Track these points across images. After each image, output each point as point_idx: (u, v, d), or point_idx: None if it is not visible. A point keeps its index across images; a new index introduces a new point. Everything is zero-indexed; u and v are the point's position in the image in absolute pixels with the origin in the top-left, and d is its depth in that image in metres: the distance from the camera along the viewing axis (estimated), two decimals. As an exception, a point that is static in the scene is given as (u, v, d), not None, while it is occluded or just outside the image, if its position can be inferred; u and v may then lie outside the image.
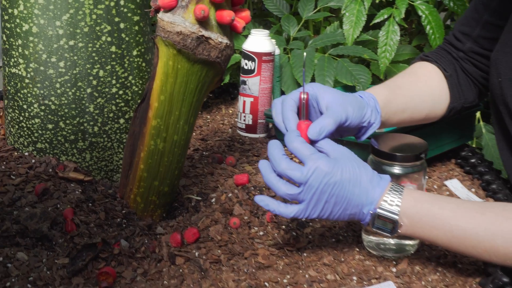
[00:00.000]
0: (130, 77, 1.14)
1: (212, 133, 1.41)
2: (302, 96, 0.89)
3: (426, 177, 0.96)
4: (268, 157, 0.87)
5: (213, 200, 1.08)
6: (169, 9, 0.94)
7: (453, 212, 0.82)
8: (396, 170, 0.92)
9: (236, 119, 1.53)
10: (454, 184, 1.13)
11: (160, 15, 0.94)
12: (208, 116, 1.55)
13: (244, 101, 1.43)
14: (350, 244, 0.97)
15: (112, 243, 0.90)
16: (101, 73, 1.10)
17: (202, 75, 0.98)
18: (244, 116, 1.43)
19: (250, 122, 1.42)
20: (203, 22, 0.92)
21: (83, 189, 1.06)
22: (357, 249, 0.96)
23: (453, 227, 0.82)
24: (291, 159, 0.89)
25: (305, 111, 0.89)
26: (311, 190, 0.83)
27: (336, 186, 0.83)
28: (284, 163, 0.84)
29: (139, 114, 1.02)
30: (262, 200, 0.87)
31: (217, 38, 0.95)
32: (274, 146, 0.86)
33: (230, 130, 1.46)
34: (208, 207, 1.07)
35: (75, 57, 1.08)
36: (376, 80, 1.70)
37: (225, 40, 0.96)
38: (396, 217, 0.83)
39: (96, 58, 1.09)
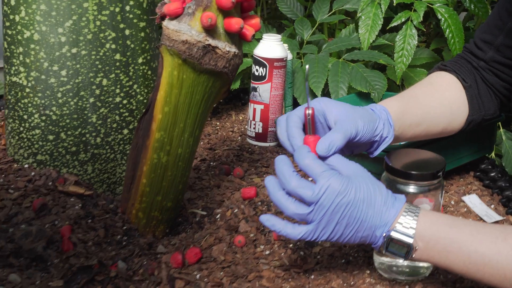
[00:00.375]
0: (135, 86, 1.10)
1: (220, 141, 1.37)
2: (307, 112, 0.83)
3: (443, 193, 0.91)
4: (275, 173, 0.82)
5: (218, 216, 1.04)
6: (175, 16, 0.89)
7: (472, 236, 0.77)
8: (412, 189, 0.86)
9: (246, 126, 1.48)
10: (472, 200, 1.07)
11: (166, 23, 0.90)
12: (218, 123, 1.51)
13: (255, 109, 1.38)
14: (361, 266, 0.92)
15: (109, 265, 0.86)
16: (104, 82, 1.06)
17: (209, 86, 0.93)
18: (254, 124, 1.38)
19: (260, 131, 1.38)
20: (210, 30, 0.88)
21: (83, 203, 1.02)
22: (368, 272, 0.90)
23: (472, 252, 0.76)
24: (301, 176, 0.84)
25: (311, 128, 0.84)
26: (323, 210, 0.78)
27: (349, 206, 0.78)
28: (294, 180, 0.79)
29: (142, 125, 0.98)
30: (268, 219, 0.82)
31: (225, 47, 0.90)
32: (282, 162, 0.82)
33: (239, 138, 1.41)
34: (212, 223, 1.02)
35: (78, 66, 1.04)
36: (393, 84, 1.65)
37: (233, 49, 0.91)
38: (410, 240, 0.78)
39: (99, 66, 1.05)
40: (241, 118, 1.55)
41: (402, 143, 1.14)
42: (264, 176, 1.20)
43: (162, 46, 0.90)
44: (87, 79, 1.05)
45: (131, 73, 1.09)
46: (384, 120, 0.90)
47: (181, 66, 0.90)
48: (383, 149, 0.91)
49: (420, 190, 0.87)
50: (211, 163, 1.26)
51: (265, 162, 1.27)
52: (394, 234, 0.78)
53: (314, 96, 1.46)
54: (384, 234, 0.79)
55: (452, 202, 1.08)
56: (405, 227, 0.78)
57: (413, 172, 0.85)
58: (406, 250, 0.78)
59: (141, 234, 1.01)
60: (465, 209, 1.06)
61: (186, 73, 0.91)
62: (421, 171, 0.85)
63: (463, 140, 1.13)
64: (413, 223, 0.78)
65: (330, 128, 0.87)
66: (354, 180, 0.79)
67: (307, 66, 0.83)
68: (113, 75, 1.07)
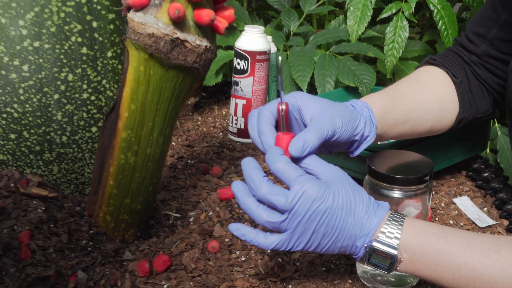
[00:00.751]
0: (104, 81, 1.03)
1: (200, 138, 1.30)
2: (281, 107, 0.76)
3: (432, 194, 0.84)
4: (244, 178, 0.76)
5: (192, 219, 0.97)
6: (140, 8, 0.83)
7: (462, 247, 0.70)
8: (397, 194, 0.80)
9: (229, 122, 1.41)
10: (464, 202, 1.00)
11: (131, 14, 0.83)
12: (199, 118, 1.44)
13: (236, 104, 1.31)
14: (342, 275, 0.85)
15: (68, 275, 0.79)
16: (70, 77, 0.99)
17: (178, 82, 0.86)
18: (236, 120, 1.31)
19: (242, 126, 1.31)
20: (178, 22, 0.81)
21: (46, 206, 0.95)
22: (350, 281, 0.84)
23: (462, 265, 0.69)
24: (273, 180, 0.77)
25: (285, 125, 0.77)
26: (297, 218, 0.72)
27: (327, 214, 0.71)
28: (265, 187, 0.73)
29: (109, 124, 0.92)
30: (238, 229, 0.75)
31: (195, 40, 0.83)
32: (250, 166, 0.75)
33: (221, 134, 1.34)
34: (185, 227, 0.96)
35: (41, 60, 0.97)
36: (384, 78, 1.58)
37: (204, 43, 0.84)
38: (394, 252, 0.72)
39: (64, 60, 0.98)
40: (224, 112, 1.49)
41: (387, 142, 1.07)
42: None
43: (127, 40, 0.83)
44: (51, 75, 0.98)
45: (99, 68, 1.02)
46: (366, 117, 0.83)
47: (147, 61, 0.83)
48: (365, 148, 0.84)
49: (406, 196, 0.80)
50: (189, 161, 1.19)
51: (246, 160, 1.20)
52: (376, 245, 0.72)
53: (299, 90, 1.39)
54: (365, 245, 0.72)
55: (442, 204, 1.02)
56: (388, 237, 0.72)
57: (398, 176, 0.78)
58: (389, 262, 0.72)
59: (109, 239, 0.95)
60: (456, 212, 0.99)
61: (153, 69, 0.84)
62: (407, 175, 0.79)
63: (454, 139, 1.06)
64: (398, 233, 0.71)
65: (306, 126, 0.80)
66: (332, 185, 0.72)
67: (279, 58, 0.76)
68: (79, 70, 1.00)
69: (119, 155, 0.90)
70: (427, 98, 0.93)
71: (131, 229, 0.96)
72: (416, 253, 0.71)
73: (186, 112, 1.46)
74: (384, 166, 0.81)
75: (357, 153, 0.84)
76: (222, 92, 1.56)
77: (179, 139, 1.29)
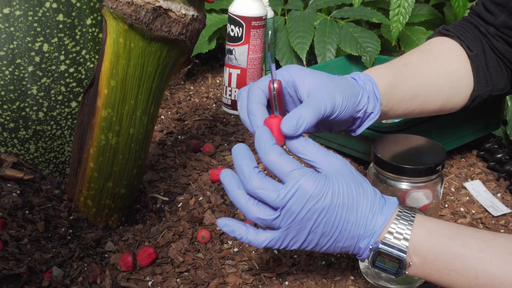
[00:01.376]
0: (83, 52, 0.94)
1: (192, 110, 1.21)
2: (272, 86, 0.67)
3: (443, 182, 0.76)
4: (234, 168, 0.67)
5: (180, 204, 0.89)
6: (120, -29, 0.73)
7: (480, 251, 0.62)
8: (404, 185, 0.72)
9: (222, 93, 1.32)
10: (475, 187, 0.92)
11: (108, -21, 0.74)
12: (192, 87, 1.35)
13: (230, 73, 1.22)
14: (344, 270, 0.78)
15: (43, 271, 0.72)
16: (45, 47, 0.90)
17: (163, 56, 0.78)
18: (230, 91, 1.22)
19: (237, 98, 1.22)
20: (161, -12, 0.72)
21: (21, 190, 0.87)
22: (352, 277, 0.77)
23: (479, 272, 0.62)
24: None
25: (278, 105, 0.68)
26: (291, 216, 0.64)
27: (324, 212, 0.63)
28: (255, 180, 0.64)
29: (87, 101, 0.83)
30: (226, 224, 0.67)
31: (180, 9, 0.74)
32: (241, 155, 0.66)
33: (214, 106, 1.26)
34: (173, 213, 0.88)
35: (12, 28, 0.87)
36: (388, 44, 1.48)
37: (190, 12, 0.75)
38: (403, 255, 0.64)
39: (38, 29, 0.89)
40: (218, 81, 1.39)
41: (391, 121, 0.99)
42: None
43: (104, 8, 0.74)
44: (23, 44, 0.88)
45: (77, 37, 0.92)
46: (369, 92, 0.74)
47: (127, 32, 0.74)
48: (368, 127, 0.75)
49: (415, 187, 0.72)
50: (179, 137, 1.11)
51: (240, 135, 1.12)
52: (382, 247, 0.64)
53: (298, 59, 1.30)
54: (370, 247, 0.65)
55: (452, 189, 0.94)
56: (396, 238, 0.64)
57: (406, 166, 0.70)
58: (397, 266, 0.64)
59: (91, 225, 0.87)
60: (467, 198, 0.91)
61: (134, 41, 0.75)
62: (417, 164, 0.70)
63: (464, 117, 0.98)
64: (407, 234, 0.64)
65: (302, 102, 0.71)
66: (332, 179, 0.64)
67: (269, 32, 0.66)
68: (55, 39, 0.90)
69: (99, 136, 0.81)
70: (438, 72, 0.83)
71: (115, 214, 0.88)
72: (427, 256, 0.64)
73: (178, 81, 1.37)
74: (390, 154, 0.72)
75: (359, 131, 0.75)
76: (216, 59, 1.47)
77: (169, 112, 1.20)
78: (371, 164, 0.75)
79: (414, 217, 0.64)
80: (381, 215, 0.64)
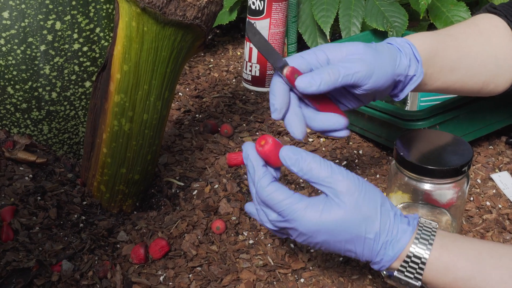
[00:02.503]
0: (98, 29, 0.90)
1: (211, 86, 1.18)
2: (284, 71, 0.65)
3: (469, 179, 0.72)
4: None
5: (195, 192, 0.87)
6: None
7: (502, 283, 0.57)
8: (428, 186, 0.68)
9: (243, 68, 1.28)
10: (503, 179, 0.88)
11: (121, -42, 0.70)
12: (212, 60, 1.31)
13: (251, 48, 1.18)
14: (362, 269, 0.75)
15: (53, 264, 0.70)
16: (58, 25, 0.87)
17: (177, 40, 0.74)
18: (251, 66, 1.18)
19: (257, 74, 1.18)
20: (177, -31, 0.68)
21: (34, 174, 0.85)
22: (370, 277, 0.74)
23: None
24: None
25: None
26: (293, 233, 0.62)
27: (320, 245, 0.61)
28: (265, 192, 0.62)
29: (100, 84, 0.80)
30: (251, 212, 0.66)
31: (196, -9, 0.70)
32: (252, 155, 0.63)
33: (234, 81, 1.22)
34: (188, 201, 0.86)
35: (23, 6, 0.84)
36: (418, 16, 1.42)
37: (207, -6, 0.71)
38: (418, 283, 0.61)
39: (50, 6, 0.85)
40: (239, 53, 1.35)
41: (424, 99, 0.94)
42: (257, 134, 1.02)
43: (115, -10, 0.70)
44: (35, 23, 0.85)
45: (91, 14, 0.89)
46: (409, 54, 0.69)
47: (140, 16, 0.71)
48: (393, 114, 0.71)
49: (439, 188, 0.68)
50: (197, 116, 1.08)
51: (260, 115, 1.08)
52: (395, 275, 0.61)
53: (322, 33, 1.25)
54: (384, 273, 0.62)
55: (478, 181, 0.90)
56: (409, 272, 0.60)
57: (430, 166, 0.66)
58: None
59: (105, 210, 0.86)
60: (494, 191, 0.87)
61: (147, 25, 0.71)
62: (441, 165, 0.66)
63: (493, 103, 0.92)
64: (421, 267, 0.59)
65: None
66: (330, 212, 0.59)
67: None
68: (68, 17, 0.87)
69: (112, 121, 0.79)
70: (483, 47, 0.77)
71: (129, 199, 0.86)
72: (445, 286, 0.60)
73: (200, 51, 1.33)
74: (414, 152, 0.69)
75: (402, 96, 0.70)
76: (238, 30, 1.42)
77: (187, 89, 1.17)
78: (393, 163, 0.71)
79: (431, 244, 0.59)
80: (392, 249, 0.59)
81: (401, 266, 0.60)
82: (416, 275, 0.59)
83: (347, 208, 0.59)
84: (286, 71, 0.65)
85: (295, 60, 0.66)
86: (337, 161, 0.96)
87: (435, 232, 0.60)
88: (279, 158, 0.62)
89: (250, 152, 0.63)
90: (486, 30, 0.80)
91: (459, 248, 0.59)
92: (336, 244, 0.60)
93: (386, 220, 0.59)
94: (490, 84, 0.79)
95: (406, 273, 0.60)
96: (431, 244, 0.59)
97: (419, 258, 0.59)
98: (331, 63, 0.67)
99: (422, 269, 0.59)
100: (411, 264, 0.59)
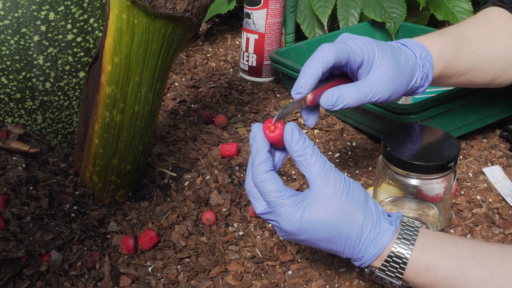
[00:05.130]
0: (91, 20, 0.90)
1: (207, 76, 1.18)
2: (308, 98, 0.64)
3: (459, 160, 0.72)
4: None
5: (186, 183, 0.87)
6: None
7: (483, 283, 0.57)
8: (414, 182, 0.68)
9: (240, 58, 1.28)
10: (494, 173, 0.88)
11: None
12: (210, 49, 1.31)
13: (248, 38, 1.17)
14: (349, 262, 0.76)
15: (42, 254, 0.71)
16: (51, 15, 0.87)
17: (168, 33, 0.74)
18: (247, 56, 1.18)
19: (254, 64, 1.18)
20: (167, -39, 0.68)
21: (27, 163, 0.86)
22: (357, 269, 0.75)
23: None
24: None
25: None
26: (276, 229, 0.63)
27: (306, 242, 0.62)
28: (260, 177, 0.62)
29: (92, 75, 0.80)
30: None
31: (186, -16, 0.70)
32: (259, 137, 0.63)
33: (231, 71, 1.22)
34: (179, 192, 0.86)
35: (17, -4, 0.85)
36: (418, 6, 1.41)
37: (197, -14, 0.71)
38: (398, 283, 0.61)
39: (44, -4, 0.86)
40: (237, 43, 1.35)
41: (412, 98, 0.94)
42: (252, 124, 1.02)
43: (105, -17, 0.70)
44: (29, 13, 0.85)
45: (85, 5, 0.89)
46: (424, 73, 0.70)
47: (130, 8, 0.71)
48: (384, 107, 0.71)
49: (425, 183, 0.69)
50: (192, 106, 1.08)
51: (255, 105, 1.08)
52: (377, 273, 0.61)
53: (320, 23, 1.25)
54: (366, 270, 0.63)
55: (470, 174, 0.90)
56: (390, 271, 0.60)
57: (416, 162, 0.66)
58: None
59: (97, 200, 0.86)
60: (485, 185, 0.87)
61: (137, 18, 0.71)
62: (428, 160, 0.67)
63: (488, 96, 0.92)
64: (402, 267, 0.59)
65: (354, 70, 0.67)
66: (313, 211, 0.59)
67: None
68: (62, 8, 0.87)
69: (104, 112, 0.79)
70: (494, 46, 0.77)
71: (121, 189, 0.87)
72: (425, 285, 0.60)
73: (196, 42, 1.33)
74: (401, 147, 0.69)
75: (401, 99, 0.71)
76: (237, 18, 1.42)
77: (183, 79, 1.17)
78: (380, 158, 0.71)
79: (413, 244, 0.59)
80: (373, 248, 0.60)
81: (383, 265, 0.60)
82: (397, 274, 0.60)
83: (331, 207, 0.59)
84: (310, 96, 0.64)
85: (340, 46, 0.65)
86: (330, 152, 0.96)
87: (417, 231, 0.60)
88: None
89: (258, 134, 0.63)
90: (497, 26, 0.80)
91: (441, 248, 0.59)
92: (317, 242, 0.60)
93: (369, 218, 0.60)
94: (498, 79, 0.80)
95: (387, 272, 0.60)
96: (412, 244, 0.59)
97: (400, 258, 0.59)
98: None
99: (403, 268, 0.59)
100: (392, 263, 0.59)
